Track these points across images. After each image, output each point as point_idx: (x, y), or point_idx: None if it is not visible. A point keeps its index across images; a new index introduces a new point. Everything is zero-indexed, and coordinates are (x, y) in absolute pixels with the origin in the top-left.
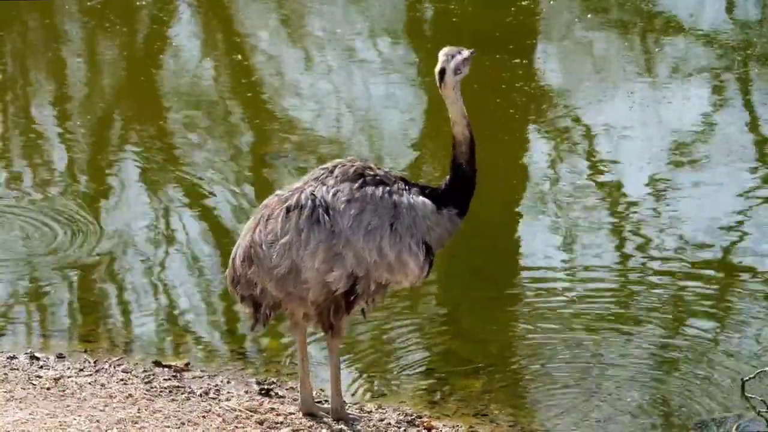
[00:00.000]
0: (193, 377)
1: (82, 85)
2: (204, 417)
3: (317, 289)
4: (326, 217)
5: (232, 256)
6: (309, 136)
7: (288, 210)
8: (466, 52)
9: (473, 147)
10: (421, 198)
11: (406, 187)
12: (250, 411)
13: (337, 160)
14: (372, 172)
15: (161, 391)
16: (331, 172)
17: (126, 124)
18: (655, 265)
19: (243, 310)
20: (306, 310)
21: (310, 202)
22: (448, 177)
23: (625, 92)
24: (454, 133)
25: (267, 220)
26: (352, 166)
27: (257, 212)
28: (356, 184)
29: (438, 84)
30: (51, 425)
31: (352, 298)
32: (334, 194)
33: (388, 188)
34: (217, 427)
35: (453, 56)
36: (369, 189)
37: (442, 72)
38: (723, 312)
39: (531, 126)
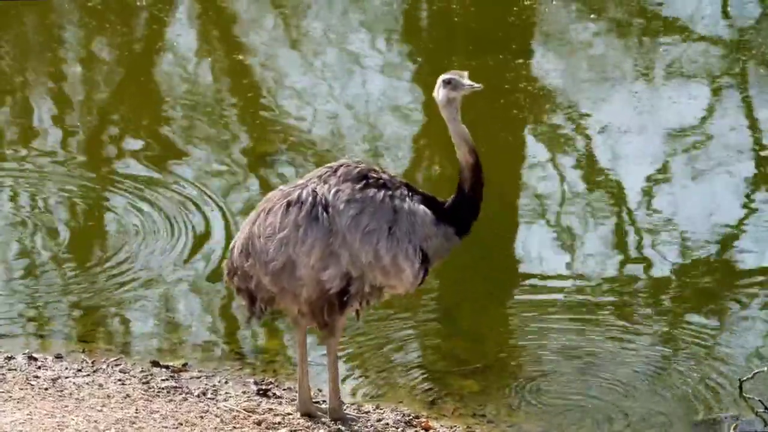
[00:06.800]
0: (191, 377)
1: (81, 85)
2: (202, 417)
3: (311, 287)
4: (325, 215)
5: (230, 246)
6: (307, 137)
7: (288, 205)
8: (465, 76)
9: (478, 173)
10: (422, 207)
11: (409, 194)
12: (248, 411)
13: (342, 161)
14: (375, 175)
15: (159, 392)
16: (335, 171)
17: (125, 123)
18: (654, 264)
19: (239, 302)
20: (300, 307)
21: (310, 198)
22: (453, 196)
23: (627, 92)
24: (458, 157)
25: (267, 213)
26: (356, 167)
27: (259, 205)
28: (358, 186)
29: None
30: (49, 425)
31: (345, 298)
32: (335, 193)
33: (389, 193)
34: (215, 428)
35: (449, 78)
36: (370, 191)
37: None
38: (721, 312)
39: (533, 126)
